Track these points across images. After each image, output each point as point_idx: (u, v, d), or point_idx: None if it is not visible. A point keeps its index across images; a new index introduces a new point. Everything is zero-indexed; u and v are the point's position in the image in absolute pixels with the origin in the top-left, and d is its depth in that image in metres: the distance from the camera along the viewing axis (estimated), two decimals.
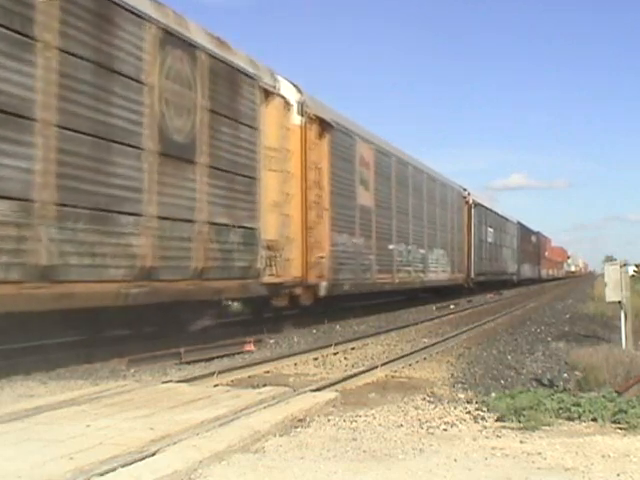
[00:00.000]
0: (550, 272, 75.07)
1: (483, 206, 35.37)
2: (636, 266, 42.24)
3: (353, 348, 11.58)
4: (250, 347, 11.01)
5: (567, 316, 19.11)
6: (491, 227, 36.68)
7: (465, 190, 31.83)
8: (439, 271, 26.14)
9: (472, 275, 31.41)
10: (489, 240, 36.05)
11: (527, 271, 52.44)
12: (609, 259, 26.86)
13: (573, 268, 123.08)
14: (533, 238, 57.64)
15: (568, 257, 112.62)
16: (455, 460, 4.45)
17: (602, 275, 13.16)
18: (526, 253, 51.62)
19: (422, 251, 23.96)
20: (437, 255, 25.86)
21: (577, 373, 8.32)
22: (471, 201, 32.12)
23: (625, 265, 11.65)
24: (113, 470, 3.93)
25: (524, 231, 51.82)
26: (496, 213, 39.21)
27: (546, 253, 69.80)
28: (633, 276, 32.02)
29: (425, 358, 10.38)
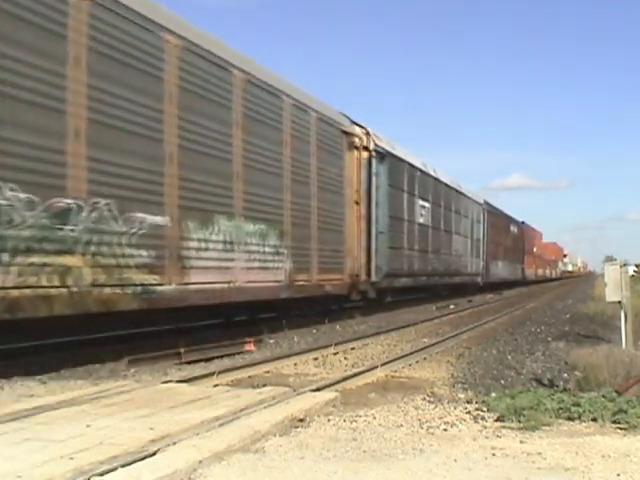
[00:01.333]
0: (540, 272, 61.22)
1: (403, 160, 20.90)
2: (636, 266, 42.41)
3: (353, 348, 11.58)
4: (250, 347, 11.02)
5: (567, 316, 19.14)
6: (426, 199, 23.63)
7: (358, 125, 17.74)
8: (238, 268, 12.15)
9: (373, 277, 17.97)
10: (420, 220, 22.96)
11: (502, 271, 39.33)
12: (609, 259, 26.71)
13: (570, 267, 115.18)
14: (513, 228, 44.33)
15: (564, 255, 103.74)
16: (455, 460, 4.45)
17: (602, 275, 13.16)
18: (501, 246, 38.91)
19: (160, 220, 10.05)
20: (237, 235, 12.12)
21: (577, 373, 8.31)
22: (372, 146, 17.98)
23: (625, 265, 11.67)
24: (113, 470, 3.93)
25: (496, 216, 38.01)
26: (436, 179, 25.02)
27: (534, 249, 56.60)
28: (633, 276, 32.11)
29: (425, 358, 10.39)
